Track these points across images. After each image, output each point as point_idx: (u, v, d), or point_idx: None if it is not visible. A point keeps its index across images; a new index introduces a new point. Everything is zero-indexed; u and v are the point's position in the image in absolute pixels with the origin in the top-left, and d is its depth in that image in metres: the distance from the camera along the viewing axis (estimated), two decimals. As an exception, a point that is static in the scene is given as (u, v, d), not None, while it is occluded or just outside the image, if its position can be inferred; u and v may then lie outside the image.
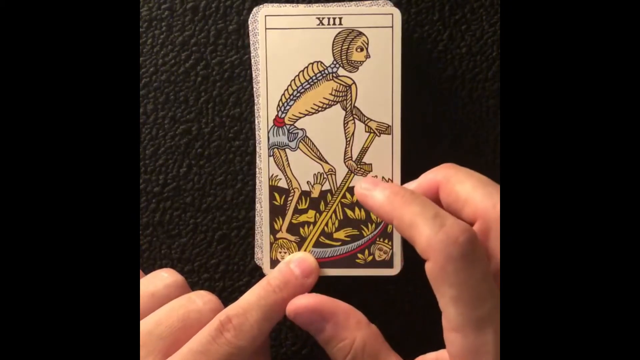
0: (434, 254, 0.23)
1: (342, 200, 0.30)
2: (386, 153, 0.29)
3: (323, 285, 0.29)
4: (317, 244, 0.30)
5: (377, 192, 0.26)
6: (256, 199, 0.30)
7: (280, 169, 0.29)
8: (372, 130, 0.29)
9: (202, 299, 0.27)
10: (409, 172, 0.29)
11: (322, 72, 0.29)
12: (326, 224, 0.30)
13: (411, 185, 0.28)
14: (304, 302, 0.27)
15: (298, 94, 0.29)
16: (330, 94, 0.29)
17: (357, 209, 0.30)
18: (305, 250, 0.30)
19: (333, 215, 0.29)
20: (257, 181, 0.30)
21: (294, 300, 0.27)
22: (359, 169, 0.29)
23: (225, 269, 0.32)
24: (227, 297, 0.32)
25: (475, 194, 0.25)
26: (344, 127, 0.29)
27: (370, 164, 0.29)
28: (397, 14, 0.29)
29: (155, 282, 0.28)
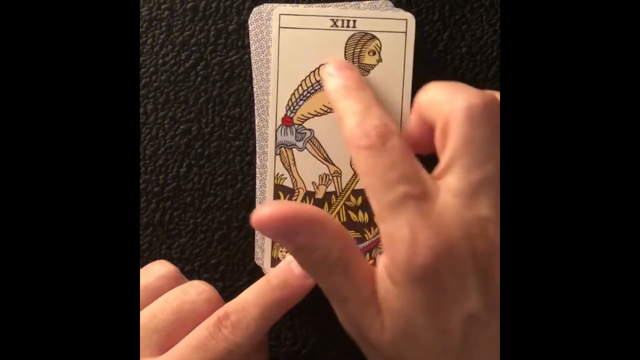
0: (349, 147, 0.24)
1: (347, 202, 0.29)
2: None
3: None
4: (319, 245, 0.29)
5: (333, 79, 0.27)
6: (256, 199, 0.30)
7: (287, 168, 0.29)
8: None
9: (195, 289, 0.27)
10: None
11: None
12: (328, 226, 0.29)
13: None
14: (269, 211, 0.23)
15: (308, 94, 0.29)
16: None
17: (360, 212, 0.29)
18: (306, 250, 0.30)
19: (336, 218, 0.29)
20: (257, 181, 0.30)
21: (260, 209, 0.23)
22: None
23: (225, 269, 0.32)
24: (227, 297, 0.31)
25: (438, 97, 0.25)
26: None
27: None
28: (411, 19, 0.29)
29: (147, 274, 0.28)
